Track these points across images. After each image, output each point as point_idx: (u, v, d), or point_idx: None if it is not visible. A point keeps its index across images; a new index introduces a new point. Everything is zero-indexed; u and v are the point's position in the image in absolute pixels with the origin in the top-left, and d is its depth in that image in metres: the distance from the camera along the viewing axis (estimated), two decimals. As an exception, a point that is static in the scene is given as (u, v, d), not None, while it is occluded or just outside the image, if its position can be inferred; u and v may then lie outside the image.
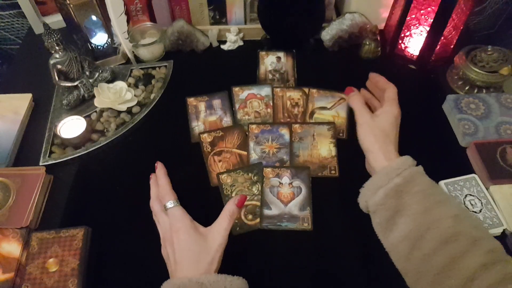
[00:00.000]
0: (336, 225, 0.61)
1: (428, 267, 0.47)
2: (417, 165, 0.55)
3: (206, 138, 0.70)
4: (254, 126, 0.71)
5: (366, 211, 0.56)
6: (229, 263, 0.51)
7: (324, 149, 0.68)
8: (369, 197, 0.54)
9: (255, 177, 0.65)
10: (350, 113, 0.74)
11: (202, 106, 0.76)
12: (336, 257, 0.58)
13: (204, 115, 0.75)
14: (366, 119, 0.60)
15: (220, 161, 0.68)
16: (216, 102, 0.77)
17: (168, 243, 0.52)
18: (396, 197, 0.52)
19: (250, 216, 0.62)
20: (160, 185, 0.57)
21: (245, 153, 0.69)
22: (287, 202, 0.62)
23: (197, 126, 0.74)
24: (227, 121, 0.74)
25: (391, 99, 0.62)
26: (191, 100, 0.77)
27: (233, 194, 0.64)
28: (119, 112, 0.75)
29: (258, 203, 0.63)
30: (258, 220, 0.61)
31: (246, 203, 0.62)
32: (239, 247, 0.57)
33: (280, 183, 0.64)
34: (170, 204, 0.54)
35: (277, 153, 0.68)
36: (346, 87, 0.67)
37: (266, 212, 0.62)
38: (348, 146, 0.70)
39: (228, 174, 0.66)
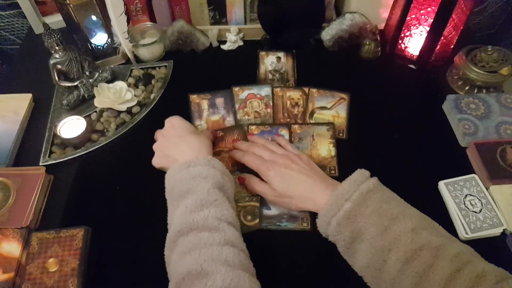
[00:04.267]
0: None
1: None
2: (409, 163, 0.55)
3: None
4: (253, 127, 0.71)
5: (328, 238, 0.55)
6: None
7: (323, 149, 0.68)
8: (325, 229, 0.53)
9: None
10: (350, 113, 0.74)
11: (205, 104, 0.76)
12: (335, 257, 0.58)
13: (207, 114, 0.75)
14: (270, 193, 0.58)
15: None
16: (219, 101, 0.76)
17: (166, 137, 0.61)
18: (350, 223, 0.50)
19: (249, 217, 0.61)
20: None
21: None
22: None
23: (200, 125, 0.73)
24: (230, 120, 0.74)
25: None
26: (193, 97, 0.77)
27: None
28: (119, 112, 0.75)
29: (257, 204, 0.62)
30: (257, 220, 0.61)
31: (245, 204, 0.62)
32: None
33: None
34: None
35: None
36: (239, 178, 0.63)
37: (266, 212, 0.62)
38: (348, 146, 0.70)
39: None
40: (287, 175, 0.57)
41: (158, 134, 0.64)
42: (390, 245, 0.47)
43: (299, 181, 0.57)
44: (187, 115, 0.75)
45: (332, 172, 0.66)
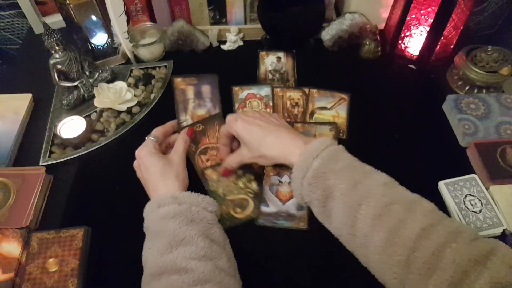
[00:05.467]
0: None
1: (372, 247, 0.45)
2: (409, 163, 0.54)
3: None
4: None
5: (304, 204, 0.55)
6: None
7: None
8: (299, 190, 0.53)
9: (240, 171, 0.65)
10: (350, 113, 0.74)
11: (190, 92, 0.72)
12: (330, 257, 0.58)
13: (193, 107, 0.71)
14: (246, 153, 0.59)
15: (207, 160, 0.66)
16: (205, 89, 0.73)
17: (138, 169, 0.61)
18: (321, 181, 0.50)
19: (238, 210, 0.62)
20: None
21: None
22: (285, 200, 0.63)
23: (186, 121, 0.70)
24: None
25: (225, 127, 0.62)
26: (178, 82, 0.72)
27: (220, 190, 0.63)
28: (119, 112, 0.75)
29: (246, 196, 0.63)
30: (247, 212, 0.61)
31: (233, 197, 0.63)
32: (232, 242, 0.56)
33: (280, 181, 0.64)
34: (148, 136, 0.64)
35: None
36: (223, 172, 0.64)
37: (264, 209, 0.62)
38: (348, 146, 0.70)
39: (213, 169, 0.65)
40: (254, 124, 0.58)
41: (134, 165, 0.63)
42: (361, 200, 0.47)
43: (266, 132, 0.57)
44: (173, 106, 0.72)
45: None
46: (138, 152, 0.62)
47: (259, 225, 0.61)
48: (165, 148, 0.66)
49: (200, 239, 0.51)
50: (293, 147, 0.55)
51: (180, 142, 0.64)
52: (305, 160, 0.51)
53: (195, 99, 0.72)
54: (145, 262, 0.52)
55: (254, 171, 0.65)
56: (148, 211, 0.56)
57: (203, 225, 0.53)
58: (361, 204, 0.47)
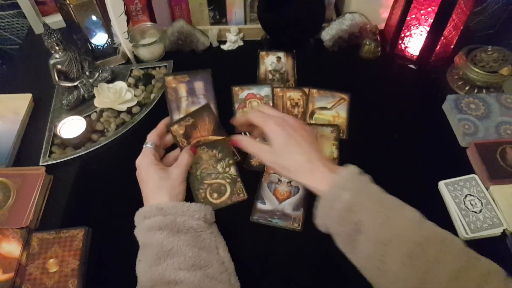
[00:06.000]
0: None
1: (401, 285, 0.44)
2: (409, 163, 0.53)
3: (178, 130, 0.65)
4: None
5: (327, 232, 0.51)
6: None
7: (326, 150, 0.68)
8: (325, 221, 0.50)
9: (220, 154, 0.64)
10: (350, 113, 0.74)
11: (182, 90, 0.69)
12: (322, 260, 0.58)
13: (186, 105, 0.69)
14: (268, 154, 0.55)
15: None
16: (198, 86, 0.70)
17: (138, 178, 0.60)
18: (351, 214, 0.47)
19: (215, 195, 0.62)
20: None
21: (222, 138, 0.65)
22: (282, 199, 0.63)
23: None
24: None
25: (263, 124, 0.56)
26: (169, 80, 0.69)
27: (198, 173, 0.63)
28: (119, 112, 0.75)
29: (223, 181, 0.63)
30: (223, 198, 0.61)
31: (211, 181, 0.63)
32: (226, 236, 0.56)
33: (279, 180, 0.65)
34: (146, 144, 0.62)
35: None
36: (232, 140, 0.62)
37: (260, 206, 0.62)
38: (348, 146, 0.70)
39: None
40: (290, 131, 0.54)
41: (136, 174, 0.61)
42: (392, 237, 0.45)
43: (298, 148, 0.53)
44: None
45: None
46: (138, 163, 0.60)
47: (253, 222, 0.61)
48: (162, 150, 0.65)
49: (188, 248, 0.50)
50: (319, 172, 0.51)
51: (184, 156, 0.61)
52: (334, 192, 0.49)
53: (188, 96, 0.70)
54: (137, 274, 0.51)
55: (233, 156, 0.65)
56: (137, 222, 0.55)
57: (190, 235, 0.52)
58: (392, 241, 0.45)
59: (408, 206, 0.48)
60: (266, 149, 0.55)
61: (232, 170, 0.64)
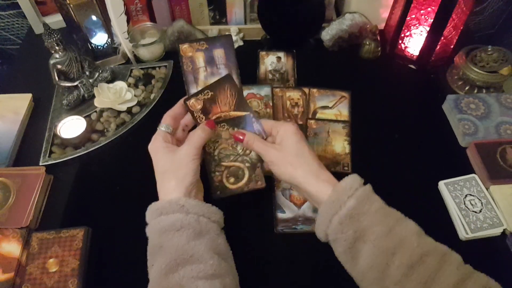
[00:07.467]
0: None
1: None
2: (409, 163, 0.53)
3: (195, 105, 0.57)
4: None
5: (326, 240, 0.51)
6: (246, 268, 0.51)
7: (338, 145, 0.69)
8: (326, 226, 0.49)
9: None
10: (353, 111, 0.74)
11: (200, 59, 0.60)
12: (332, 259, 0.57)
13: (204, 76, 0.60)
14: (273, 153, 0.53)
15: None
16: (218, 54, 0.61)
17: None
18: (354, 221, 0.47)
19: (232, 179, 0.56)
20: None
21: (245, 113, 0.58)
22: (300, 204, 0.62)
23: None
24: None
25: (277, 124, 0.55)
26: (185, 49, 0.59)
27: (216, 152, 0.57)
28: (119, 112, 0.75)
29: (242, 165, 0.57)
30: (240, 184, 0.56)
31: (228, 164, 0.57)
32: (254, 252, 0.56)
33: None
34: (159, 127, 0.56)
35: None
36: (234, 135, 0.57)
37: (280, 215, 0.61)
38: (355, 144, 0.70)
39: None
40: (304, 140, 0.53)
41: None
42: (395, 247, 0.45)
43: (309, 154, 0.52)
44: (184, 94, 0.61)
45: (345, 168, 0.66)
46: (149, 147, 0.55)
47: (278, 233, 0.59)
48: (182, 133, 0.58)
49: (209, 255, 0.47)
50: (325, 176, 0.51)
51: (197, 132, 0.54)
52: (339, 198, 0.48)
53: (207, 66, 0.60)
54: (150, 278, 0.49)
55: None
56: (148, 219, 0.51)
57: (209, 236, 0.49)
58: (395, 252, 0.45)
59: (410, 219, 0.48)
60: (271, 145, 0.54)
61: (253, 154, 0.57)
